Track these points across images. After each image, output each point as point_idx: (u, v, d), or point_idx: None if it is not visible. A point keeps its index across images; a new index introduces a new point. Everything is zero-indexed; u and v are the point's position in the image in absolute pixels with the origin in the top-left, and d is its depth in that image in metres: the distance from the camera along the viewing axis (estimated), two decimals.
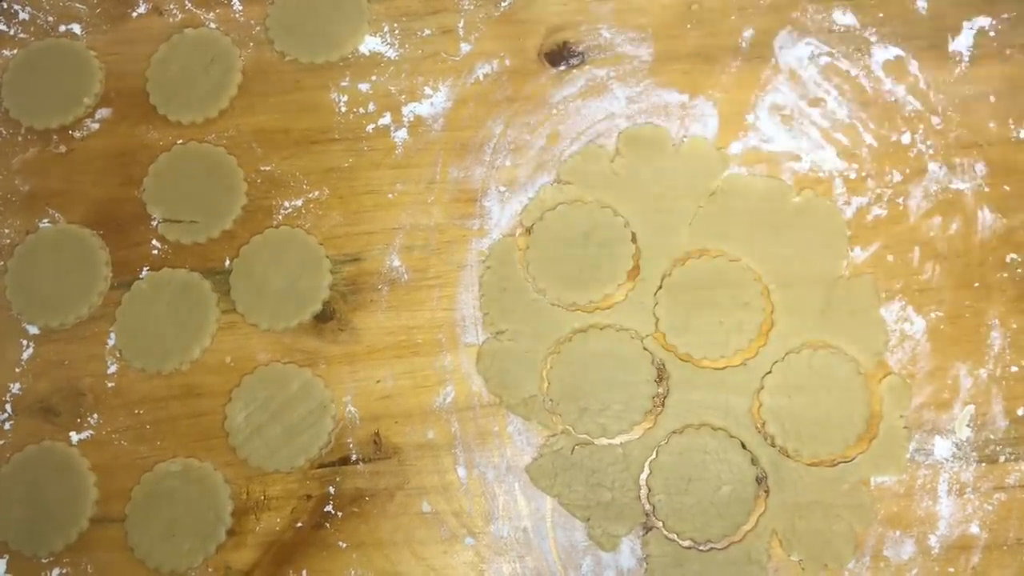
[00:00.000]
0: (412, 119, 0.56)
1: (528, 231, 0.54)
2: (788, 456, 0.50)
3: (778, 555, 0.49)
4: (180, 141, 0.57)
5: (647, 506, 0.50)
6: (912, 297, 0.52)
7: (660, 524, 0.49)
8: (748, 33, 0.56)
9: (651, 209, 0.54)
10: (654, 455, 0.50)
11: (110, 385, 0.53)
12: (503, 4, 0.58)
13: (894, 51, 0.56)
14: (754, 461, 0.50)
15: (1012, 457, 0.49)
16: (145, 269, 0.55)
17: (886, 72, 0.55)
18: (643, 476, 0.50)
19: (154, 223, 0.55)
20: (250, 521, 0.51)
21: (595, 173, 0.54)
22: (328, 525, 0.51)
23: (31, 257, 0.55)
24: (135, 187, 0.56)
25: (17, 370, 0.54)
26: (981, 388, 0.50)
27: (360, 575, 0.50)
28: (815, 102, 0.55)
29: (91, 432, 0.53)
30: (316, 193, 0.56)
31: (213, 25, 0.59)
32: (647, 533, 0.49)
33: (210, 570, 0.50)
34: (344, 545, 0.50)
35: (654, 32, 0.57)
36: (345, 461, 0.51)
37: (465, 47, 0.57)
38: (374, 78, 0.57)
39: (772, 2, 0.57)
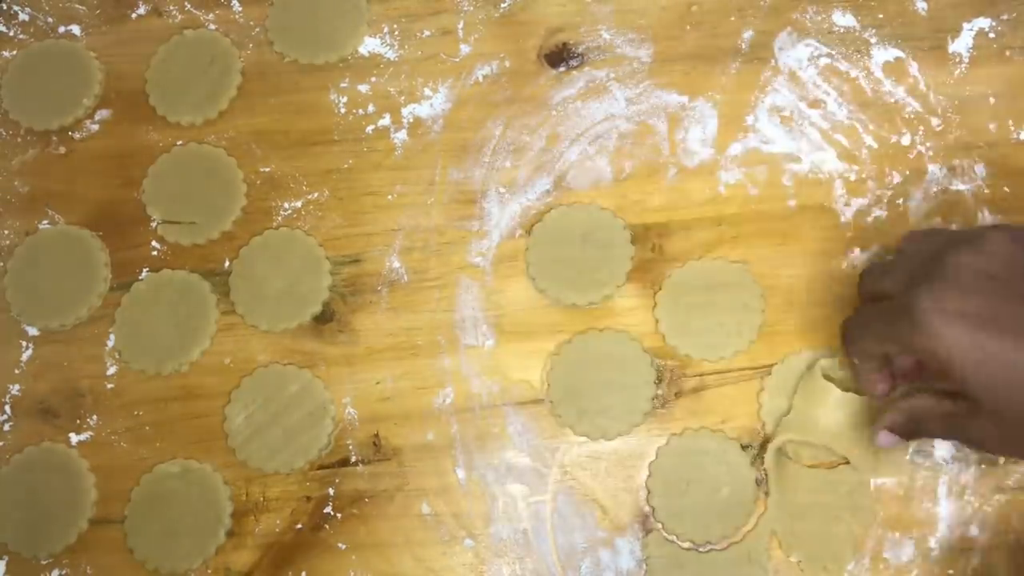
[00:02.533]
0: (412, 120, 0.56)
1: (528, 232, 0.54)
2: (788, 458, 0.50)
3: (778, 556, 0.49)
4: (180, 142, 0.57)
5: (646, 508, 0.50)
6: None
7: (660, 526, 0.49)
8: (748, 34, 0.56)
9: None
10: (653, 456, 0.50)
11: (109, 386, 0.53)
12: (503, 5, 0.58)
13: (894, 52, 0.56)
14: (754, 463, 0.50)
15: (1012, 459, 0.49)
16: (145, 270, 0.55)
17: (886, 73, 0.55)
18: (642, 478, 0.50)
19: (154, 224, 0.55)
20: (249, 522, 0.51)
21: None
22: (328, 527, 0.51)
23: (30, 258, 0.55)
24: (135, 188, 0.56)
25: (16, 371, 0.54)
26: None
27: None
28: (815, 103, 0.55)
29: (90, 433, 0.53)
30: (316, 194, 0.56)
31: (213, 26, 0.59)
32: (647, 535, 0.49)
33: (209, 572, 0.50)
34: (343, 547, 0.50)
35: (654, 33, 0.57)
36: (345, 463, 0.51)
37: (464, 48, 0.57)
38: (373, 79, 0.57)
39: (772, 3, 0.57)
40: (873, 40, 0.56)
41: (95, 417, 0.53)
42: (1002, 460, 0.49)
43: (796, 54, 0.56)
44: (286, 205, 0.56)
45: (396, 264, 0.54)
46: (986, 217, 0.53)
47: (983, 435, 0.40)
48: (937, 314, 0.38)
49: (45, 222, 0.56)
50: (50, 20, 0.60)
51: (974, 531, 0.48)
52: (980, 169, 0.53)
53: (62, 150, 0.57)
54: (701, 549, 0.49)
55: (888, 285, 0.43)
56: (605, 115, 0.56)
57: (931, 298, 0.39)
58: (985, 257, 0.40)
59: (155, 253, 0.55)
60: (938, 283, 0.39)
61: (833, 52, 0.56)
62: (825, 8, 0.56)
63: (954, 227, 0.46)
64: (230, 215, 0.55)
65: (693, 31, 0.57)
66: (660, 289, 0.52)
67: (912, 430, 0.43)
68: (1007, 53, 0.55)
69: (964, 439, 0.42)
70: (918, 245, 0.44)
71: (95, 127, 0.58)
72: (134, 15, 0.60)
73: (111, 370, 0.53)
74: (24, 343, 0.54)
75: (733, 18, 0.57)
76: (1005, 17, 0.56)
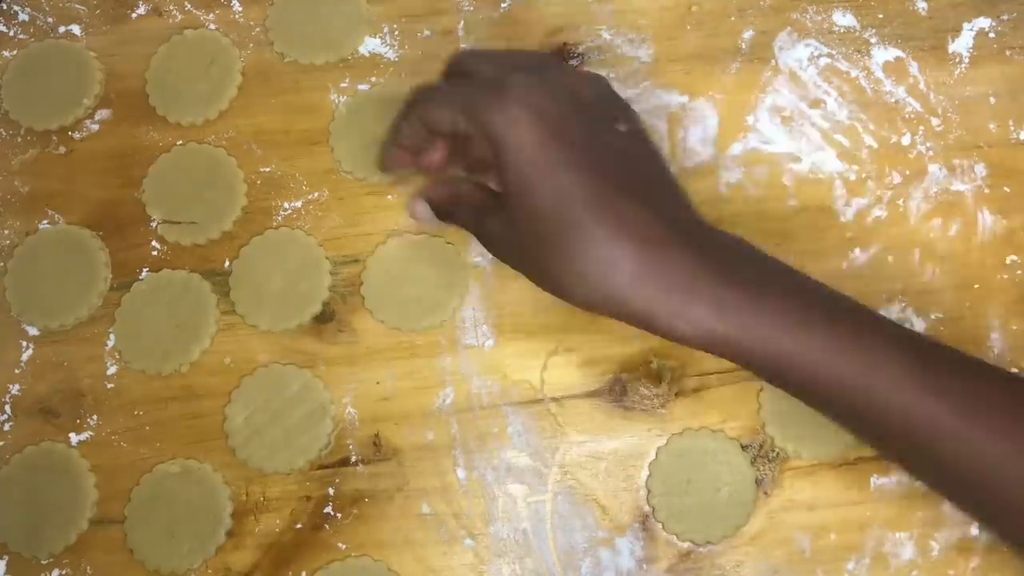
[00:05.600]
0: None
1: None
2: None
3: (778, 556, 0.49)
4: (180, 142, 0.57)
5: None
6: (912, 299, 0.52)
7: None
8: (748, 34, 0.56)
9: None
10: (653, 456, 0.50)
11: (110, 386, 0.53)
12: (503, 5, 0.58)
13: (894, 52, 0.56)
14: (754, 462, 0.50)
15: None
16: (145, 270, 0.55)
17: (886, 73, 0.55)
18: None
19: (154, 224, 0.55)
20: (249, 522, 0.51)
21: None
22: (328, 527, 0.51)
23: (30, 258, 0.55)
24: (135, 188, 0.56)
25: (16, 371, 0.54)
26: None
27: None
28: (815, 103, 0.55)
29: (91, 433, 0.53)
30: (316, 194, 0.56)
31: (213, 26, 0.59)
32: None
33: (209, 571, 0.50)
34: (343, 547, 0.50)
35: (654, 33, 0.57)
36: (345, 462, 0.51)
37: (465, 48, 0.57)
38: (374, 79, 0.57)
39: (772, 3, 0.57)
40: (873, 40, 0.56)
41: (95, 417, 0.53)
42: None
43: (796, 54, 0.56)
44: (286, 205, 0.56)
45: None
46: (986, 217, 0.53)
47: (495, 231, 0.43)
48: (521, 99, 0.40)
49: (45, 222, 0.56)
50: (50, 20, 0.60)
51: (974, 531, 0.48)
52: (980, 169, 0.53)
53: (62, 150, 0.57)
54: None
55: (483, 68, 0.44)
56: None
57: (525, 86, 0.41)
58: (581, 83, 0.43)
59: (155, 253, 0.55)
60: (537, 79, 0.41)
61: (833, 52, 0.56)
62: (825, 8, 0.56)
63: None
64: (230, 215, 0.55)
65: (693, 31, 0.57)
66: None
67: (448, 211, 0.46)
68: (1007, 53, 0.55)
69: (481, 233, 0.44)
70: (534, 55, 0.48)
71: (95, 127, 0.58)
72: (134, 15, 0.60)
73: (111, 370, 0.53)
74: (24, 343, 0.54)
75: (733, 18, 0.57)
76: (1005, 17, 0.56)
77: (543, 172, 0.39)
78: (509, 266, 0.44)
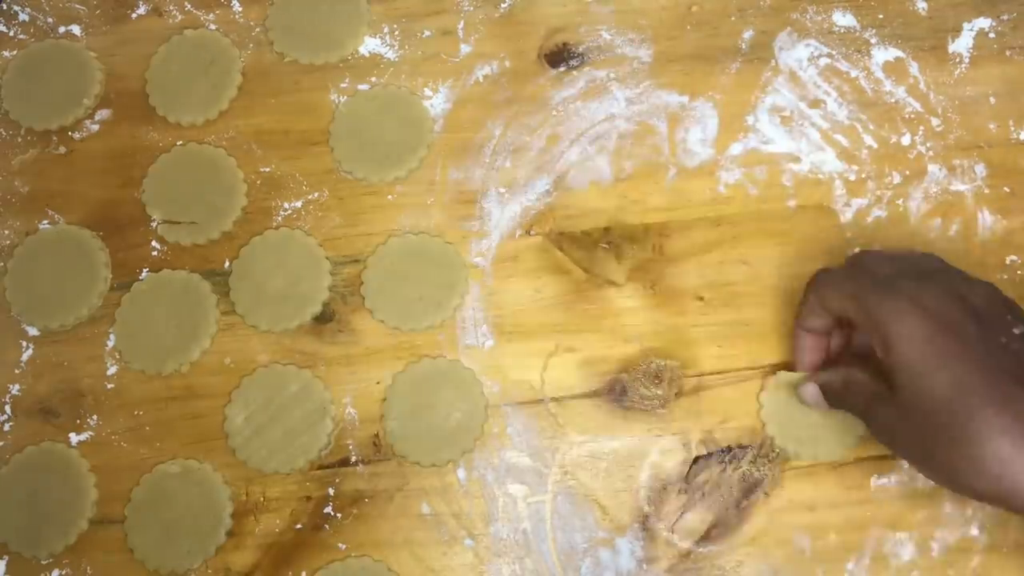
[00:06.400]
0: None
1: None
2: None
3: (778, 556, 0.49)
4: (180, 142, 0.57)
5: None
6: None
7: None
8: (748, 34, 0.56)
9: None
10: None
11: (110, 386, 0.53)
12: (503, 5, 0.58)
13: (894, 52, 0.56)
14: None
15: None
16: (145, 270, 0.55)
17: (886, 73, 0.55)
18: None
19: (154, 224, 0.55)
20: (250, 522, 0.51)
21: None
22: (328, 527, 0.51)
23: (31, 258, 0.55)
24: (135, 188, 0.56)
25: (17, 371, 0.54)
26: None
27: None
28: (815, 103, 0.55)
29: (91, 433, 0.53)
30: (316, 194, 0.56)
31: (213, 26, 0.59)
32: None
33: (210, 571, 0.50)
34: (344, 547, 0.50)
35: (654, 33, 0.57)
36: (345, 462, 0.51)
37: (465, 48, 0.57)
38: (374, 79, 0.57)
39: (772, 3, 0.57)
40: (873, 40, 0.56)
41: (95, 417, 0.53)
42: (905, 465, 0.49)
43: (796, 54, 0.56)
44: (286, 205, 0.56)
45: None
46: (986, 217, 0.53)
47: (886, 421, 0.43)
48: (911, 299, 0.41)
49: (45, 222, 0.56)
50: (50, 20, 0.60)
51: (974, 531, 0.48)
52: (980, 169, 0.53)
53: (62, 150, 0.57)
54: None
55: (878, 267, 0.45)
56: (605, 115, 0.56)
57: (913, 287, 0.42)
58: (971, 288, 0.43)
59: (155, 253, 0.55)
60: (926, 282, 0.42)
61: (833, 52, 0.56)
62: (825, 8, 0.56)
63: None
64: (230, 215, 0.55)
65: (693, 31, 0.57)
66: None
67: (838, 397, 0.46)
68: (1007, 53, 0.55)
69: (873, 422, 0.44)
70: (927, 257, 0.47)
71: (95, 127, 0.58)
72: (134, 15, 0.60)
73: (111, 370, 0.53)
74: (24, 343, 0.54)
75: (733, 18, 0.57)
76: (1005, 17, 0.56)
77: (936, 363, 0.40)
78: (898, 455, 0.45)
